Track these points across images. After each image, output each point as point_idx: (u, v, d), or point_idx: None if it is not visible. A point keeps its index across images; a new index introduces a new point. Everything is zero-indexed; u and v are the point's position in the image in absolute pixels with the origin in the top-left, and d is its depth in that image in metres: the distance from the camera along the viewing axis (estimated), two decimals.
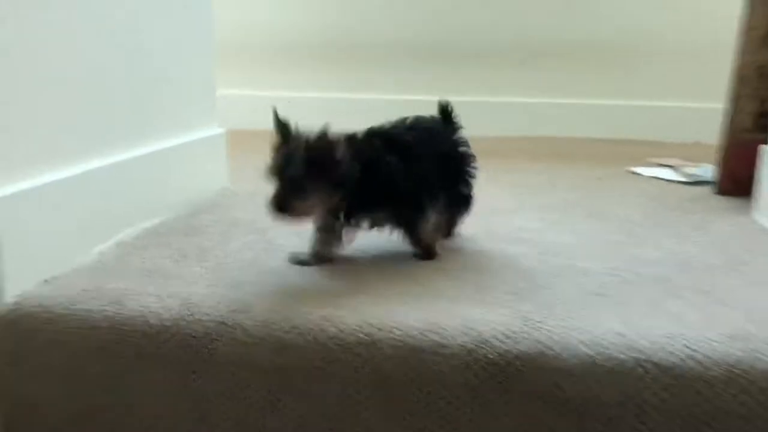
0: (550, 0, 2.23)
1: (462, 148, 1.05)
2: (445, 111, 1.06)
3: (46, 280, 0.90)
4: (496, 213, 1.26)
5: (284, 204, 0.88)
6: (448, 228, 1.07)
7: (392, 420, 0.76)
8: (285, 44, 2.34)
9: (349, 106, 2.09)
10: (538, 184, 1.53)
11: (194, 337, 0.79)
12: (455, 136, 1.05)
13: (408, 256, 1.00)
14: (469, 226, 1.15)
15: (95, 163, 1.01)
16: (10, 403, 0.85)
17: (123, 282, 0.89)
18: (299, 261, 0.97)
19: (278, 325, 0.79)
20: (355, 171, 0.90)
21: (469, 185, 1.06)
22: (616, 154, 1.97)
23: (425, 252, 1.00)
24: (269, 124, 0.92)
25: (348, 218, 0.95)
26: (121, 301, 0.84)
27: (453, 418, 0.74)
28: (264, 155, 0.91)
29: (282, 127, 0.91)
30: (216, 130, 1.38)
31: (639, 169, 1.71)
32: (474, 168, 1.06)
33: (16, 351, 0.83)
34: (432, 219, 0.98)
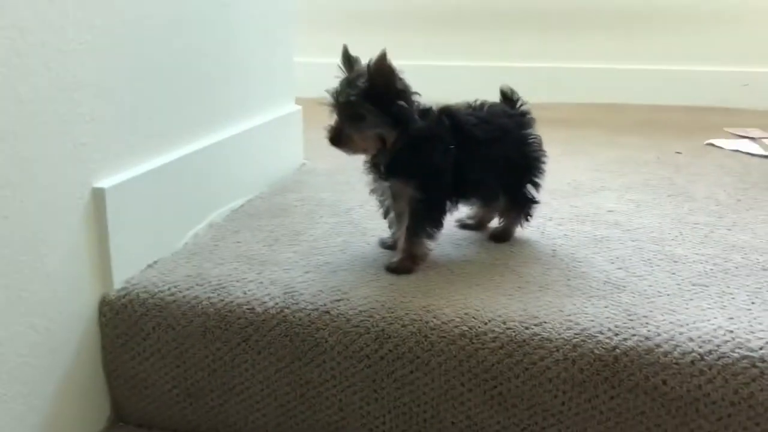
0: None
1: (533, 148, 0.98)
2: (507, 97, 0.99)
3: (149, 265, 0.93)
4: (579, 192, 1.24)
5: (340, 136, 0.84)
6: (506, 231, 1.02)
7: (495, 411, 0.77)
8: (360, 10, 2.31)
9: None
10: (616, 159, 1.50)
11: (300, 325, 0.81)
12: (526, 132, 0.97)
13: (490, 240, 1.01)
14: (554, 206, 1.14)
15: (189, 148, 1.02)
16: (120, 382, 0.89)
17: (223, 268, 0.92)
18: (387, 246, 0.97)
19: (380, 315, 0.80)
20: (417, 123, 0.85)
21: (534, 187, 0.99)
22: (692, 123, 1.91)
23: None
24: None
25: (387, 172, 0.88)
26: (225, 287, 0.87)
27: (558, 412, 0.75)
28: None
29: (350, 60, 0.86)
30: (294, 107, 1.39)
31: (718, 142, 1.66)
32: (543, 166, 0.99)
33: (126, 333, 0.87)
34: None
